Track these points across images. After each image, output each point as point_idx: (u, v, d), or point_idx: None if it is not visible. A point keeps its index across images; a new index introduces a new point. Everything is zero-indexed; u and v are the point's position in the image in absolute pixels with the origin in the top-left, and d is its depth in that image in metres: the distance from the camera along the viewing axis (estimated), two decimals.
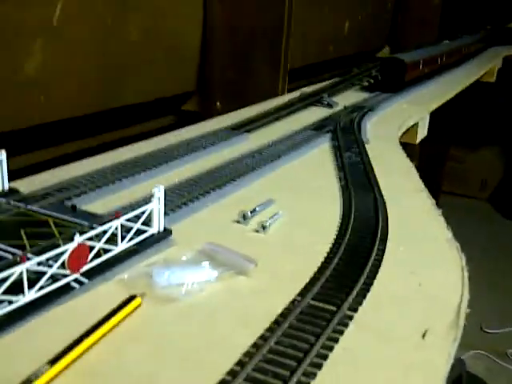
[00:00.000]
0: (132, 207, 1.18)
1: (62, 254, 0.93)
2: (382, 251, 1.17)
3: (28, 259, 0.88)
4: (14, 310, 0.87)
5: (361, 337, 0.90)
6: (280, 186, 1.55)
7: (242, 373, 0.78)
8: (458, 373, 2.98)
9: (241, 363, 0.80)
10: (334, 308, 0.95)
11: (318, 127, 2.10)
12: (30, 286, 0.89)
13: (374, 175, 1.61)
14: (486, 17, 5.49)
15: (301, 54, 3.27)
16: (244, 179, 1.53)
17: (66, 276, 0.95)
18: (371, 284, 1.05)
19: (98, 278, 1.00)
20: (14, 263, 0.86)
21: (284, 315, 0.92)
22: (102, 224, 1.03)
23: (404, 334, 0.92)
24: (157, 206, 1.12)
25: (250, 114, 2.23)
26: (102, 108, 2.28)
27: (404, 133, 2.33)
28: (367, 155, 1.78)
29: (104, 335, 0.86)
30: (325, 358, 0.83)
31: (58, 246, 0.93)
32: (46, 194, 1.32)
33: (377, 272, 1.09)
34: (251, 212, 1.31)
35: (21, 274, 0.86)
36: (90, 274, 0.99)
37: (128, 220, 1.07)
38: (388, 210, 1.37)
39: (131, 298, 0.93)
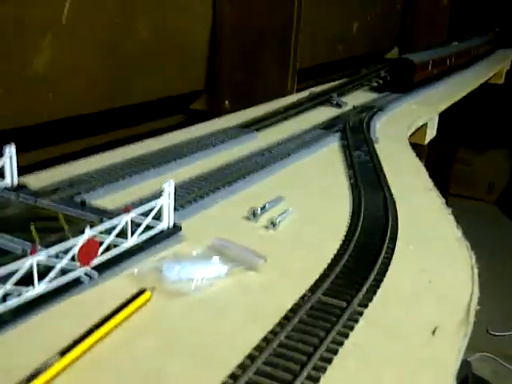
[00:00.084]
0: (141, 203, 1.17)
1: (72, 247, 0.93)
2: (391, 249, 1.17)
3: (38, 252, 0.88)
4: (24, 303, 0.87)
5: (371, 333, 0.90)
6: (289, 183, 1.55)
7: (252, 366, 0.77)
8: (464, 375, 2.96)
9: (251, 357, 0.80)
10: (344, 304, 0.94)
11: (327, 126, 2.09)
12: (40, 279, 0.89)
13: (384, 174, 1.60)
14: (494, 18, 5.47)
15: (310, 54, 3.26)
16: (254, 176, 1.53)
17: (75, 270, 0.95)
18: (381, 281, 1.04)
19: (108, 272, 1.00)
20: (24, 255, 0.86)
21: (294, 310, 0.92)
22: (111, 218, 1.03)
23: (414, 330, 0.92)
24: (167, 201, 1.12)
25: (259, 113, 2.23)
26: (110, 106, 2.28)
27: (412, 133, 2.32)
28: (376, 154, 1.78)
29: (114, 328, 0.86)
30: (335, 352, 0.83)
31: (68, 239, 0.93)
32: (55, 190, 1.32)
33: (386, 269, 1.09)
34: (261, 209, 1.31)
35: (31, 266, 0.86)
36: (100, 269, 0.99)
37: (138, 215, 1.07)
38: (397, 209, 1.37)
39: (141, 292, 0.93)
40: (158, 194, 1.12)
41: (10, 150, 1.26)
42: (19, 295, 0.87)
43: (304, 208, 1.38)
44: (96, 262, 0.98)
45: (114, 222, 1.02)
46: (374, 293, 1.00)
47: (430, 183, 1.59)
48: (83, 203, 1.24)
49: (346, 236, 1.22)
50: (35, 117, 1.95)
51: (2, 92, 1.81)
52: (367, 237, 1.21)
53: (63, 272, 0.93)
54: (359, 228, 1.25)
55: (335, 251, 1.15)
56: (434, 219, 1.38)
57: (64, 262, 0.92)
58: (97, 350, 0.81)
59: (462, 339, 0.90)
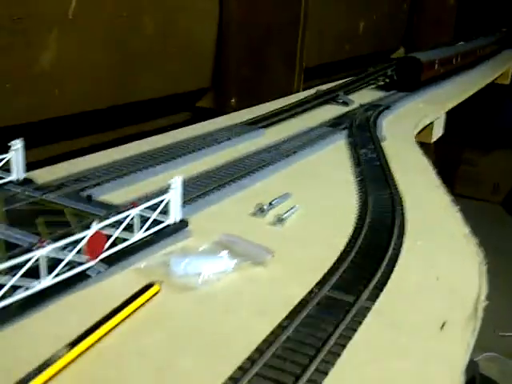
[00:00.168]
0: (148, 198, 1.17)
1: (79, 241, 0.92)
2: (399, 245, 1.16)
3: (45, 245, 0.87)
4: (31, 296, 0.87)
5: (379, 327, 0.89)
6: (296, 180, 1.54)
7: (260, 360, 0.77)
8: (471, 375, 2.95)
9: (259, 351, 0.80)
10: (353, 298, 0.94)
11: (334, 124, 2.09)
12: (47, 273, 0.89)
13: (391, 171, 1.60)
14: (501, 19, 5.46)
15: (316, 53, 3.26)
16: (261, 173, 1.52)
17: (82, 264, 0.95)
18: (389, 276, 1.04)
19: (115, 266, 1.00)
20: (32, 249, 0.86)
21: (302, 305, 0.92)
22: (119, 213, 1.03)
23: (422, 325, 0.92)
24: (174, 197, 1.11)
25: (266, 110, 2.22)
26: (116, 103, 2.28)
27: (419, 132, 2.32)
28: (383, 152, 1.77)
29: (123, 320, 0.85)
30: (343, 346, 0.83)
31: (75, 234, 0.93)
32: (61, 185, 1.32)
33: (394, 265, 1.08)
34: (268, 205, 1.30)
35: (38, 259, 0.86)
36: (107, 263, 0.99)
37: (145, 209, 1.06)
38: (405, 206, 1.36)
39: (150, 285, 0.93)
40: (165, 190, 1.12)
41: (17, 145, 1.26)
42: (27, 288, 0.87)
43: (311, 204, 1.37)
44: (103, 255, 0.98)
45: (121, 216, 1.02)
46: (382, 288, 1.00)
47: (437, 180, 1.59)
48: (89, 198, 1.24)
49: (353, 232, 1.22)
50: (41, 113, 1.95)
51: (8, 88, 1.81)
52: (375, 233, 1.21)
53: (71, 265, 0.93)
54: (366, 224, 1.24)
55: (342, 247, 1.14)
56: (442, 216, 1.38)
57: (71, 255, 0.92)
58: (106, 342, 0.81)
59: (470, 334, 0.89)
